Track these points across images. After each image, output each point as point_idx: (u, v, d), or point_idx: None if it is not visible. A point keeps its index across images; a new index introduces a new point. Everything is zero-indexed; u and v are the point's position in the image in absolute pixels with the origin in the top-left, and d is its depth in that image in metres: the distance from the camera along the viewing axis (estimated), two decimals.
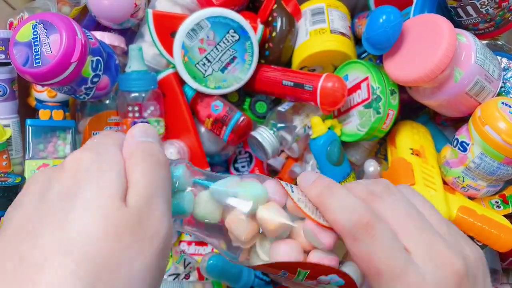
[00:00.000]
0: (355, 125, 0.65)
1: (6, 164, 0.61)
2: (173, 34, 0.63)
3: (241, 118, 0.64)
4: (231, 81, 0.65)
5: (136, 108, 0.61)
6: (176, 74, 0.66)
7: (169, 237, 0.28)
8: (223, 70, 0.64)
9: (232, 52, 0.63)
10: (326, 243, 0.31)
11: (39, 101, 0.65)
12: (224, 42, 0.62)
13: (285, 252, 0.32)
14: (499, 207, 0.61)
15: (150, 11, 0.64)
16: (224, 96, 0.69)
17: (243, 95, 0.71)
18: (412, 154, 0.62)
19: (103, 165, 0.28)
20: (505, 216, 0.59)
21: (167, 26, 0.64)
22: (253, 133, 0.63)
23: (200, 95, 0.67)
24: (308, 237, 0.32)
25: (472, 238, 0.58)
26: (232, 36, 0.62)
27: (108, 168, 0.28)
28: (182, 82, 0.67)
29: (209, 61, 0.63)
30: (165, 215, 0.28)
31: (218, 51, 0.63)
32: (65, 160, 0.28)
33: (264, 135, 0.63)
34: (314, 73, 0.66)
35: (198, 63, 0.63)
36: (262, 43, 0.67)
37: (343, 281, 0.32)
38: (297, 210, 0.32)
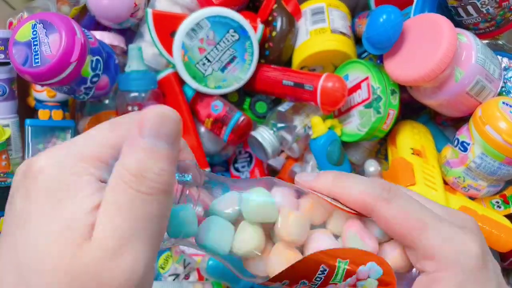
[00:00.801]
0: (356, 125, 0.65)
1: (5, 164, 0.61)
2: (173, 34, 0.63)
3: (241, 118, 0.64)
4: (231, 81, 0.65)
5: (136, 108, 0.61)
6: (176, 74, 0.66)
7: None
8: (223, 69, 0.64)
9: (232, 51, 0.63)
10: (371, 246, 0.30)
11: (39, 101, 0.64)
12: (224, 42, 0.62)
13: (324, 240, 0.30)
14: (500, 207, 0.61)
15: (149, 11, 0.64)
16: (224, 96, 0.69)
17: (243, 95, 0.71)
18: (412, 154, 0.61)
19: (68, 186, 0.22)
20: (505, 216, 0.59)
21: (167, 26, 0.64)
22: (253, 133, 0.63)
23: (200, 95, 0.67)
24: (352, 243, 0.30)
25: None
26: (232, 36, 0.62)
27: (72, 194, 0.22)
28: (181, 82, 0.67)
29: (209, 60, 0.63)
30: (140, 264, 0.22)
31: (218, 50, 0.63)
32: (27, 165, 0.23)
33: (264, 135, 0.62)
34: (314, 73, 0.66)
35: (198, 63, 0.63)
36: (262, 43, 0.67)
37: (381, 270, 0.30)
38: (316, 210, 0.31)
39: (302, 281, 0.29)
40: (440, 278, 0.28)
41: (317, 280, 0.29)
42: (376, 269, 0.30)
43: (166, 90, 0.67)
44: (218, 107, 0.66)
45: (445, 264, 0.28)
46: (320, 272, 0.29)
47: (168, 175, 0.23)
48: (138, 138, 0.23)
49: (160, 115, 0.23)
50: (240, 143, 0.72)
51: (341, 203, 0.31)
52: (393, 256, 0.31)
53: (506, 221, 0.58)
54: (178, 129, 0.24)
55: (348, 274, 0.30)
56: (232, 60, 0.64)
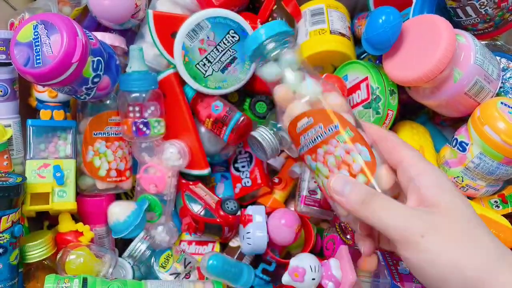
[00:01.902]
0: None
1: (7, 164, 0.61)
2: (173, 35, 0.63)
3: (241, 118, 0.65)
4: (231, 81, 0.65)
5: (137, 108, 0.61)
6: (177, 74, 0.66)
7: None
8: (223, 70, 0.64)
9: (232, 52, 0.63)
10: None
11: (40, 101, 0.65)
12: (224, 43, 0.63)
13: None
14: (498, 206, 0.61)
15: (150, 12, 0.64)
16: (224, 96, 0.69)
17: (243, 95, 0.71)
18: None
19: None
20: (504, 215, 0.60)
21: (167, 27, 0.64)
22: (253, 133, 0.64)
23: (200, 95, 0.67)
24: None
25: None
26: (232, 37, 0.62)
27: None
28: (182, 82, 0.67)
29: (209, 61, 0.63)
30: None
31: (218, 51, 0.63)
32: None
33: (264, 135, 0.63)
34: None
35: (198, 64, 0.63)
36: None
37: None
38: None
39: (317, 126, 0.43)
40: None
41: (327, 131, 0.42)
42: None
43: (166, 91, 0.67)
44: (219, 107, 0.66)
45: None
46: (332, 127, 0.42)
47: None
48: None
49: None
50: (240, 143, 0.72)
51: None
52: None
53: (504, 221, 0.58)
54: None
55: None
56: (232, 61, 0.64)
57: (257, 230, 0.63)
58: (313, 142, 0.44)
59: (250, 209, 0.65)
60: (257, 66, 0.49)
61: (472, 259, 0.34)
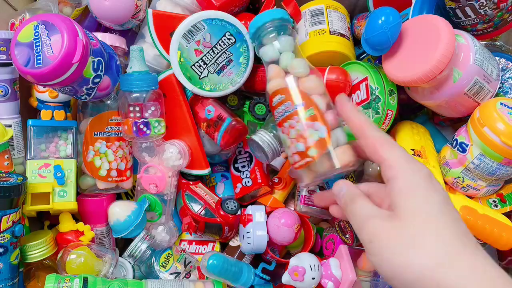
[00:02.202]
0: None
1: (8, 164, 0.61)
2: (172, 34, 0.63)
3: (232, 123, 0.64)
4: (226, 83, 0.65)
5: (138, 108, 0.61)
6: None
7: None
8: (218, 72, 0.64)
9: (228, 54, 0.63)
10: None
11: (41, 101, 0.65)
12: (220, 45, 0.62)
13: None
14: (497, 206, 0.61)
15: (150, 11, 0.64)
16: (225, 99, 0.69)
17: (243, 99, 0.71)
18: (413, 155, 0.62)
19: None
20: (503, 214, 0.60)
21: (166, 26, 0.64)
22: (253, 137, 0.64)
23: (197, 97, 0.67)
24: None
25: (474, 237, 0.59)
26: (228, 39, 0.62)
27: None
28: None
29: (205, 63, 0.63)
30: None
31: (214, 53, 0.63)
32: None
33: (264, 138, 0.63)
34: (317, 68, 0.66)
35: (194, 65, 0.63)
36: None
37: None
38: None
39: None
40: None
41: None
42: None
43: (166, 91, 0.67)
44: (211, 112, 0.66)
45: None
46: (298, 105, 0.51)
47: None
48: None
49: None
50: (235, 146, 0.72)
51: None
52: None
53: (507, 220, 0.58)
54: None
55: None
56: (228, 63, 0.64)
57: (257, 229, 0.63)
58: (281, 116, 0.53)
59: (250, 209, 0.66)
60: (256, 47, 0.58)
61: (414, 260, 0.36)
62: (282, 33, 0.55)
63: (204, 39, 0.62)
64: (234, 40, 0.62)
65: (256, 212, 0.65)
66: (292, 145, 0.51)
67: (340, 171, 0.50)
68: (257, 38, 0.57)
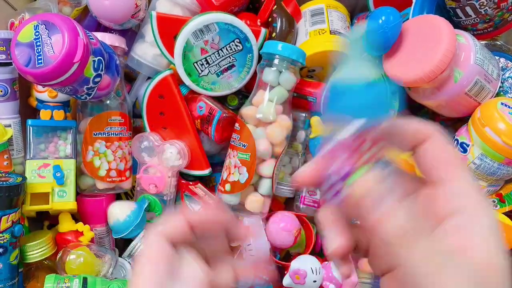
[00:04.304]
0: None
1: (7, 164, 0.61)
2: (176, 37, 0.63)
3: (223, 115, 0.64)
4: (223, 86, 0.65)
5: None
6: (174, 76, 0.66)
7: None
8: (218, 74, 0.64)
9: (232, 60, 0.64)
10: None
11: (40, 101, 0.65)
12: (227, 49, 0.63)
13: None
14: (496, 206, 0.61)
15: (154, 14, 0.64)
16: (224, 99, 0.69)
17: (243, 98, 0.71)
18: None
19: None
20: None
21: (170, 29, 0.64)
22: None
23: (190, 97, 0.67)
24: None
25: None
26: (236, 46, 0.63)
27: None
28: (179, 83, 0.67)
29: (208, 63, 0.63)
30: None
31: (219, 55, 0.63)
32: None
33: None
34: (316, 83, 0.67)
35: (196, 62, 0.63)
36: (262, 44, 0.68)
37: None
38: None
39: None
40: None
41: None
42: None
43: (164, 92, 0.67)
44: (202, 108, 0.66)
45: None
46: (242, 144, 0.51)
47: None
48: None
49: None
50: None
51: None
52: None
53: (507, 220, 0.58)
54: None
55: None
56: (230, 67, 0.64)
57: (257, 240, 0.63)
58: (232, 142, 0.63)
59: (246, 221, 0.65)
60: (260, 64, 0.63)
61: None
62: (283, 70, 0.61)
63: (212, 40, 0.62)
64: (241, 47, 0.63)
65: (253, 224, 0.64)
66: (225, 170, 0.64)
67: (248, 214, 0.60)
68: (263, 57, 0.63)
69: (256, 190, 0.63)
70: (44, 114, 0.64)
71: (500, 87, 0.61)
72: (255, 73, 0.66)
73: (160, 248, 0.28)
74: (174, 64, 0.65)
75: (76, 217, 0.67)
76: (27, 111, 0.66)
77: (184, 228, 0.29)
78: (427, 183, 0.29)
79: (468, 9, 0.60)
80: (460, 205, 0.26)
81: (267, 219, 0.65)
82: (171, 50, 0.64)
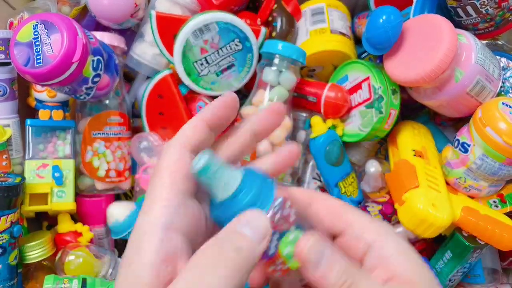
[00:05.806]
0: (357, 125, 0.65)
1: (6, 164, 0.61)
2: (176, 37, 0.63)
3: None
4: (223, 86, 0.65)
5: None
6: (173, 75, 0.66)
7: None
8: (218, 74, 0.64)
9: (232, 59, 0.64)
10: None
11: (39, 101, 0.65)
12: (226, 48, 0.63)
13: None
14: (497, 206, 0.61)
15: (153, 13, 0.64)
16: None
17: (242, 98, 0.71)
18: (415, 155, 0.61)
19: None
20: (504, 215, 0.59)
21: (170, 28, 0.64)
22: None
23: (189, 98, 0.67)
24: None
25: (475, 237, 0.59)
26: (236, 45, 0.63)
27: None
28: (178, 83, 0.67)
29: (207, 62, 0.63)
30: None
31: (219, 55, 0.63)
32: None
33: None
34: (316, 82, 0.67)
35: (196, 62, 0.63)
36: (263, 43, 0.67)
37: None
38: None
39: None
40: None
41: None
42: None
43: (163, 92, 0.67)
44: (202, 108, 0.66)
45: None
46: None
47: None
48: None
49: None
50: None
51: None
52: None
53: (508, 220, 0.58)
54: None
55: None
56: (229, 67, 0.64)
57: None
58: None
59: None
60: (260, 63, 0.62)
61: None
62: (283, 70, 0.61)
63: (212, 39, 0.62)
64: (241, 47, 0.63)
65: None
66: None
67: None
68: (263, 56, 0.63)
69: None
70: (43, 114, 0.64)
71: (501, 87, 0.61)
72: (255, 73, 0.66)
73: (182, 159, 0.28)
74: (173, 64, 0.65)
75: (75, 217, 0.67)
76: (26, 111, 0.66)
77: (204, 130, 0.29)
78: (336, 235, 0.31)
79: (469, 8, 0.60)
80: (367, 242, 0.29)
81: None
82: (170, 50, 0.64)
